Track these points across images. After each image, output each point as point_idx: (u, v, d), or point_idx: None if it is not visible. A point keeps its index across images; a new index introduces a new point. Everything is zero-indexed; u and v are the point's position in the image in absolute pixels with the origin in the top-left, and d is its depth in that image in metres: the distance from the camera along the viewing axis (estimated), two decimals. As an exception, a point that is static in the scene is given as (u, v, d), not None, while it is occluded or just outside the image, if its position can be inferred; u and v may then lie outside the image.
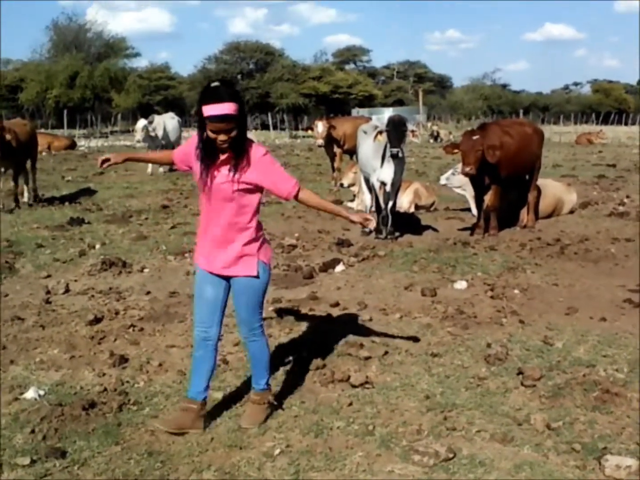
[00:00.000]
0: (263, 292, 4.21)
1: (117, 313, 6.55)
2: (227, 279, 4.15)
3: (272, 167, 3.99)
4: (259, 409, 4.36)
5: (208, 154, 3.92)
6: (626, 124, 64.17)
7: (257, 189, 4.00)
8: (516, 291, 7.27)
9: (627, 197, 14.37)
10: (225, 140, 3.79)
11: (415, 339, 5.76)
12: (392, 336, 5.85)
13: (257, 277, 4.10)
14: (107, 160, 4.21)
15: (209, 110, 3.72)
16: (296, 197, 4.04)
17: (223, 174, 3.92)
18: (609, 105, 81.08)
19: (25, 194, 13.33)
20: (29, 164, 13.53)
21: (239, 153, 3.89)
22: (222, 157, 3.91)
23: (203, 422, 4.25)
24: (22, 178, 13.35)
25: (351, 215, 4.27)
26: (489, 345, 5.62)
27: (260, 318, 4.27)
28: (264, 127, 55.21)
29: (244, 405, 4.52)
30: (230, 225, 4.01)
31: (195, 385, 4.28)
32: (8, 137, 12.00)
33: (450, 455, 3.88)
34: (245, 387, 4.77)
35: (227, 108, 3.71)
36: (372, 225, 4.32)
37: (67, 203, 13.58)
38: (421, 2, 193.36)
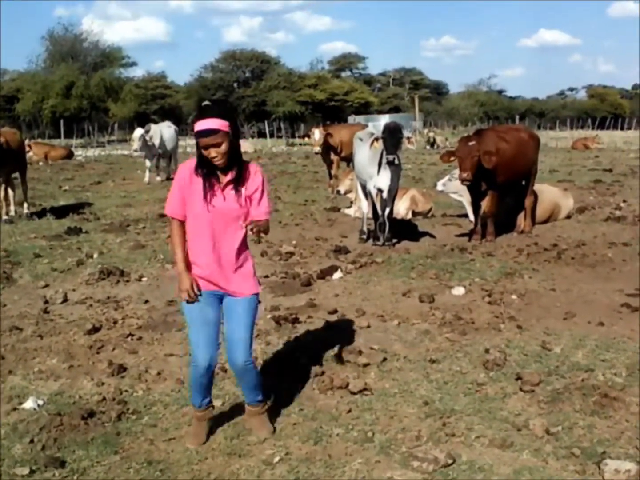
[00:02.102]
0: (257, 311, 4.22)
1: (115, 322, 6.54)
2: (221, 300, 4.13)
3: (263, 191, 4.05)
4: (263, 419, 4.35)
5: (209, 174, 3.94)
6: (622, 128, 64.46)
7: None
8: (514, 296, 7.27)
9: (624, 201, 14.40)
10: (216, 157, 3.84)
11: (413, 346, 5.77)
12: (390, 343, 5.86)
13: (257, 294, 4.15)
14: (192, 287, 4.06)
15: (198, 125, 3.82)
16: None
17: (229, 194, 3.95)
18: (604, 110, 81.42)
19: (25, 205, 13.29)
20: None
21: (239, 172, 3.95)
22: (225, 178, 3.95)
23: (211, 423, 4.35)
24: (19, 189, 13.33)
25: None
26: (487, 351, 5.62)
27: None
28: (261, 135, 55.32)
29: (242, 414, 4.52)
30: (234, 244, 4.02)
31: (200, 399, 4.27)
32: (2, 139, 12.02)
33: (450, 461, 3.88)
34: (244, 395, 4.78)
35: (211, 123, 3.79)
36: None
37: (64, 213, 13.56)
38: (416, 9, 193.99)
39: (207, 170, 3.93)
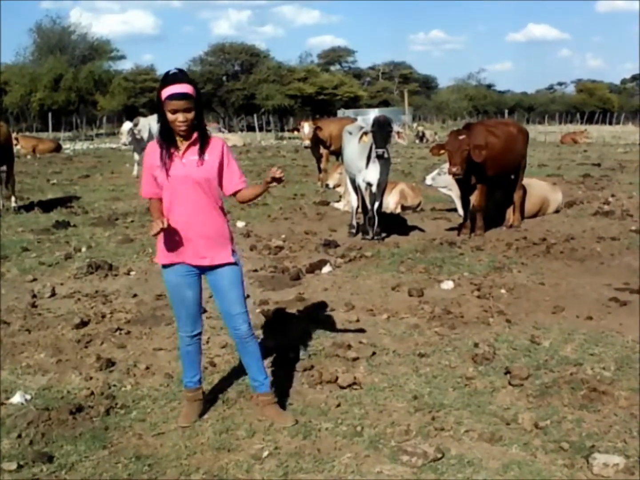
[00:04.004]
0: (243, 282, 4.28)
1: (103, 316, 6.52)
2: (201, 274, 4.20)
3: (231, 159, 4.12)
4: (278, 408, 4.42)
5: (170, 141, 4.01)
6: (610, 123, 64.57)
7: (218, 175, 4.09)
8: (503, 291, 7.28)
9: (612, 196, 14.45)
10: (184, 122, 3.89)
11: (402, 340, 5.77)
12: (380, 337, 5.86)
13: (236, 264, 4.17)
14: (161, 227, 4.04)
15: (169, 90, 3.88)
16: (235, 194, 4.16)
17: (190, 159, 4.00)
18: (593, 104, 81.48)
19: (12, 199, 13.22)
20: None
21: (203, 139, 4.01)
22: (186, 143, 4.01)
23: (202, 405, 4.47)
24: (6, 182, 13.26)
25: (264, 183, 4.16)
26: (476, 345, 5.62)
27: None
28: (250, 128, 55.10)
29: (231, 408, 4.52)
30: (201, 213, 4.06)
31: (191, 375, 4.41)
32: None
33: (439, 456, 3.88)
34: (233, 389, 4.78)
35: (185, 88, 3.88)
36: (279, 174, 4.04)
37: (52, 206, 13.48)
38: (405, 3, 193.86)
39: (165, 138, 4.01)
